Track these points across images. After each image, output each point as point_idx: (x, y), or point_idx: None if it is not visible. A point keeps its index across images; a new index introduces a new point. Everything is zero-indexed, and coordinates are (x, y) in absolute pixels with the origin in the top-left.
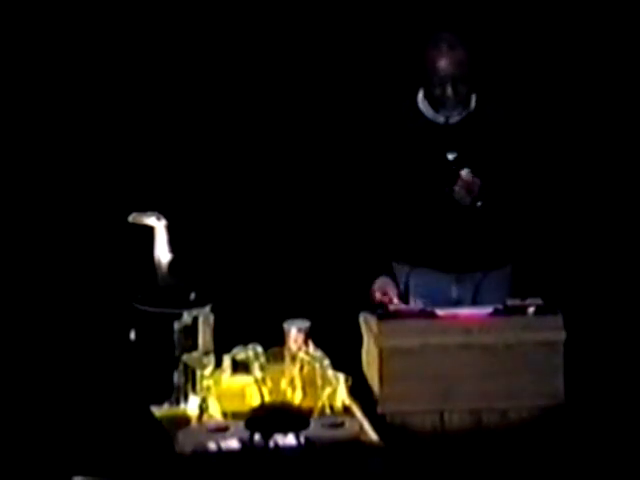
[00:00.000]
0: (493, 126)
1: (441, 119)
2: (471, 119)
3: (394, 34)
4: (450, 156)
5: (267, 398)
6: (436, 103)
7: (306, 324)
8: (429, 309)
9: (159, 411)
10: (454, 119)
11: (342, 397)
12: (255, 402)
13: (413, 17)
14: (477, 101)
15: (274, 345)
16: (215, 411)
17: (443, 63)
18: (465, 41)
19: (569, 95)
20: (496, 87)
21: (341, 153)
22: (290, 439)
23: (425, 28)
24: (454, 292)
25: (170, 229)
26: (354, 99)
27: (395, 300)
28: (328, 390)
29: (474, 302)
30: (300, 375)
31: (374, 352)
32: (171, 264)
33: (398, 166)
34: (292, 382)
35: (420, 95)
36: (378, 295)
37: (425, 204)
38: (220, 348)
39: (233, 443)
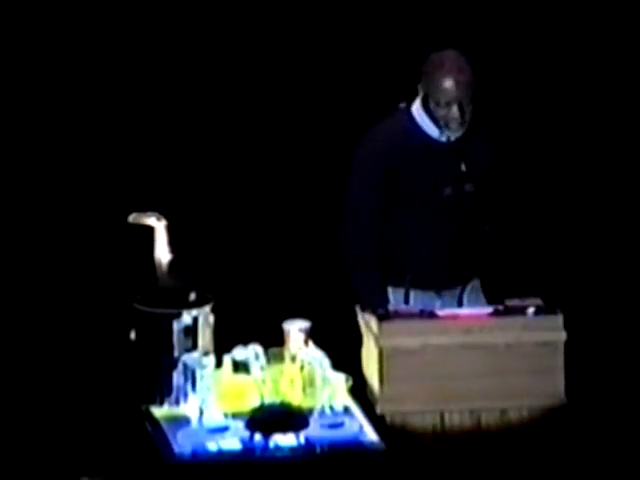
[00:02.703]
0: (479, 140)
1: (443, 138)
2: (464, 134)
3: (393, 48)
4: (463, 167)
5: (267, 398)
6: (440, 122)
7: (306, 324)
8: (429, 309)
9: (159, 411)
10: (454, 137)
11: (342, 397)
12: (255, 402)
13: (412, 31)
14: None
15: (274, 345)
16: (215, 411)
17: (452, 84)
18: (471, 60)
19: (550, 99)
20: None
21: (340, 157)
22: (290, 439)
23: (422, 44)
24: (437, 305)
25: (170, 229)
26: (359, 109)
27: None
28: (328, 390)
29: None
30: (300, 375)
31: (374, 352)
32: (171, 264)
33: (401, 186)
34: (292, 382)
35: (419, 112)
36: None
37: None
38: (220, 348)
39: (233, 443)
